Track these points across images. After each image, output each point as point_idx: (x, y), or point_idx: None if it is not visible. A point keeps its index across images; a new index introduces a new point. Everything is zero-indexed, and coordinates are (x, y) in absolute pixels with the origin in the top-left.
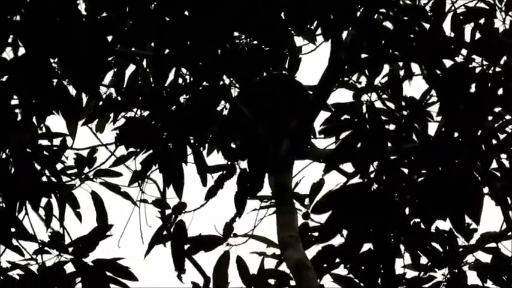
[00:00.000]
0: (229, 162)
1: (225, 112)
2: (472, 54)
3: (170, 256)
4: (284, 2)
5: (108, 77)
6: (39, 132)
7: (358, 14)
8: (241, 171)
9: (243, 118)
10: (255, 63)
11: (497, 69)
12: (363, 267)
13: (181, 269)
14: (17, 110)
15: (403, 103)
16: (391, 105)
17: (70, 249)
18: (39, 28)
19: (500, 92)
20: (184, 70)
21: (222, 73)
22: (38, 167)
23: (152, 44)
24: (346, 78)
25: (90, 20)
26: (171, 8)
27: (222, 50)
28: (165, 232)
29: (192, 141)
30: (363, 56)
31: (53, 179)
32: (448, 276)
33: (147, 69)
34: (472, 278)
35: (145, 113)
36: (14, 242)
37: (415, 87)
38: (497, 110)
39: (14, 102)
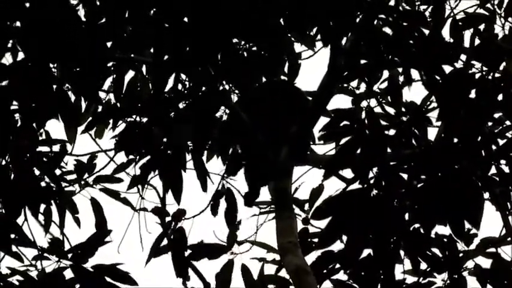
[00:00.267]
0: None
1: (225, 118)
2: (472, 60)
3: (170, 262)
4: (283, 8)
5: (107, 83)
6: (39, 138)
7: (358, 19)
8: (228, 188)
9: (243, 124)
10: (255, 69)
11: (497, 75)
12: (362, 273)
13: (184, 276)
14: (16, 115)
15: (403, 109)
16: (391, 111)
17: (69, 255)
18: (39, 33)
19: (499, 97)
20: (183, 76)
21: (222, 79)
22: (38, 173)
23: (151, 50)
24: (345, 84)
25: (90, 26)
26: (170, 13)
27: (222, 55)
28: (165, 239)
29: (191, 146)
30: (363, 61)
31: (53, 185)
32: (448, 281)
33: (147, 75)
34: (472, 283)
35: (145, 119)
36: (14, 248)
37: (414, 93)
38: (497, 115)
39: (14, 107)
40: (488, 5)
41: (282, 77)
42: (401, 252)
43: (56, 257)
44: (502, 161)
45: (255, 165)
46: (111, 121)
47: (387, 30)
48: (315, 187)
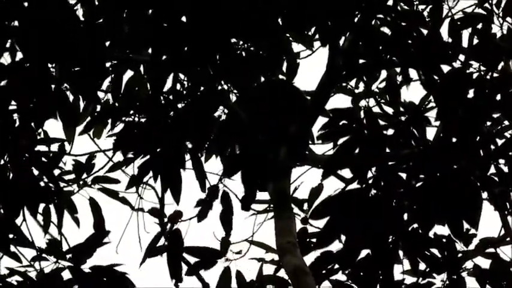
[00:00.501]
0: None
1: (223, 118)
2: (470, 60)
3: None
4: (282, 7)
5: (105, 83)
6: (38, 138)
7: (356, 19)
8: (224, 191)
9: (241, 124)
10: (253, 68)
11: (495, 74)
12: (361, 273)
13: (177, 278)
14: (15, 115)
15: (401, 108)
16: (389, 111)
17: (68, 256)
18: (37, 33)
19: (498, 97)
20: (182, 76)
21: (220, 79)
22: (36, 173)
23: (150, 50)
24: (344, 84)
25: (88, 25)
26: (168, 13)
27: (220, 55)
28: (161, 240)
29: (190, 146)
30: (361, 61)
31: (51, 185)
32: (447, 281)
33: (145, 75)
34: (471, 283)
35: (143, 119)
36: (12, 248)
37: (413, 93)
38: (495, 115)
39: (12, 107)
40: (486, 5)
41: (281, 77)
42: (400, 253)
43: (54, 258)
44: (501, 161)
45: (252, 167)
46: (109, 121)
47: (385, 30)
48: (314, 187)
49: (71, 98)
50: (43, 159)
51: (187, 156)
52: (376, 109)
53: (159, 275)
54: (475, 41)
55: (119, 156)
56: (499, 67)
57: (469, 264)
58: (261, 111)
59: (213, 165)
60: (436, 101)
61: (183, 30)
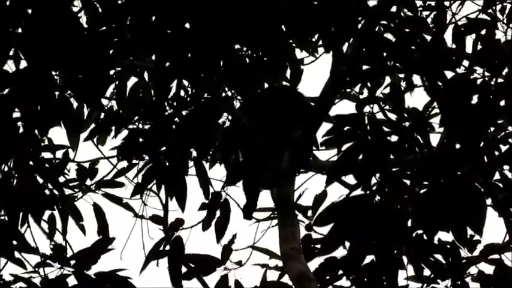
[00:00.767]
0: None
1: (227, 124)
2: (474, 66)
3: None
4: (285, 14)
5: (109, 90)
6: (42, 144)
7: (359, 25)
8: (224, 200)
9: (245, 130)
10: (256, 74)
11: (499, 80)
12: (365, 279)
13: (178, 285)
14: (19, 123)
15: (405, 114)
16: (393, 117)
17: (72, 262)
18: (41, 40)
19: (502, 103)
20: (186, 82)
21: (224, 85)
22: (41, 180)
23: (153, 56)
24: (348, 90)
25: (92, 32)
26: (171, 19)
27: (224, 62)
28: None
29: (194, 153)
30: (365, 67)
31: (56, 192)
32: (451, 287)
33: (149, 82)
34: None
35: (147, 126)
36: (17, 254)
37: (417, 99)
38: (499, 121)
39: (16, 114)
40: (490, 11)
41: (284, 83)
42: (405, 258)
43: (59, 264)
44: (505, 167)
45: (254, 175)
46: (113, 128)
47: (389, 36)
48: (318, 194)
49: (75, 105)
50: (47, 165)
51: (191, 163)
52: (380, 115)
53: (162, 281)
54: (479, 46)
55: (123, 163)
56: (503, 73)
57: (473, 270)
58: (264, 117)
59: (217, 172)
60: (440, 107)
61: (187, 36)
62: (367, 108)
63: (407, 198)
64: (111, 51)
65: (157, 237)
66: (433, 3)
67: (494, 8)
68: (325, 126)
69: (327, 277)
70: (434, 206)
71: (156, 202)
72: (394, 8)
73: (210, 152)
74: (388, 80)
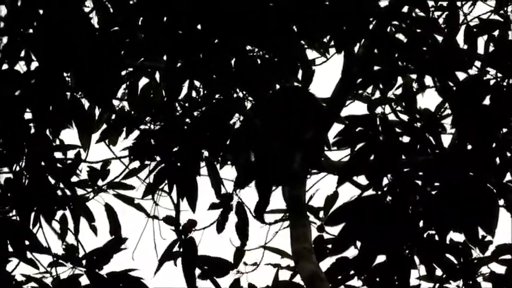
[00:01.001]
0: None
1: (239, 125)
2: (486, 67)
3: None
4: (295, 14)
5: (121, 91)
6: (53, 144)
7: (371, 26)
8: (238, 203)
9: (257, 131)
10: (268, 75)
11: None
12: (377, 279)
13: (192, 286)
14: (30, 124)
15: (417, 115)
16: (405, 118)
17: (84, 262)
18: (52, 41)
19: None
20: (197, 83)
21: (235, 86)
22: (52, 180)
23: (165, 57)
24: (360, 91)
25: (103, 33)
26: (183, 21)
27: (235, 62)
28: (176, 248)
29: (205, 154)
30: (376, 68)
31: (67, 192)
32: (463, 287)
33: (160, 83)
34: None
35: (159, 126)
36: (28, 255)
37: (428, 100)
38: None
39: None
40: (502, 12)
41: (296, 84)
42: (416, 258)
43: (71, 264)
44: None
45: (266, 174)
46: (124, 129)
47: (401, 36)
48: (329, 194)
49: (86, 105)
50: (59, 166)
51: (203, 163)
52: (391, 116)
53: (174, 281)
54: (491, 47)
55: (134, 163)
56: None
57: (485, 270)
58: (276, 118)
59: (229, 172)
60: (452, 108)
61: (198, 37)
62: (379, 109)
63: (419, 198)
64: (122, 52)
65: (169, 238)
66: (444, 4)
67: (506, 8)
68: (337, 127)
69: (339, 277)
70: (445, 206)
71: (168, 202)
72: (405, 9)
73: (221, 153)
74: (400, 81)
